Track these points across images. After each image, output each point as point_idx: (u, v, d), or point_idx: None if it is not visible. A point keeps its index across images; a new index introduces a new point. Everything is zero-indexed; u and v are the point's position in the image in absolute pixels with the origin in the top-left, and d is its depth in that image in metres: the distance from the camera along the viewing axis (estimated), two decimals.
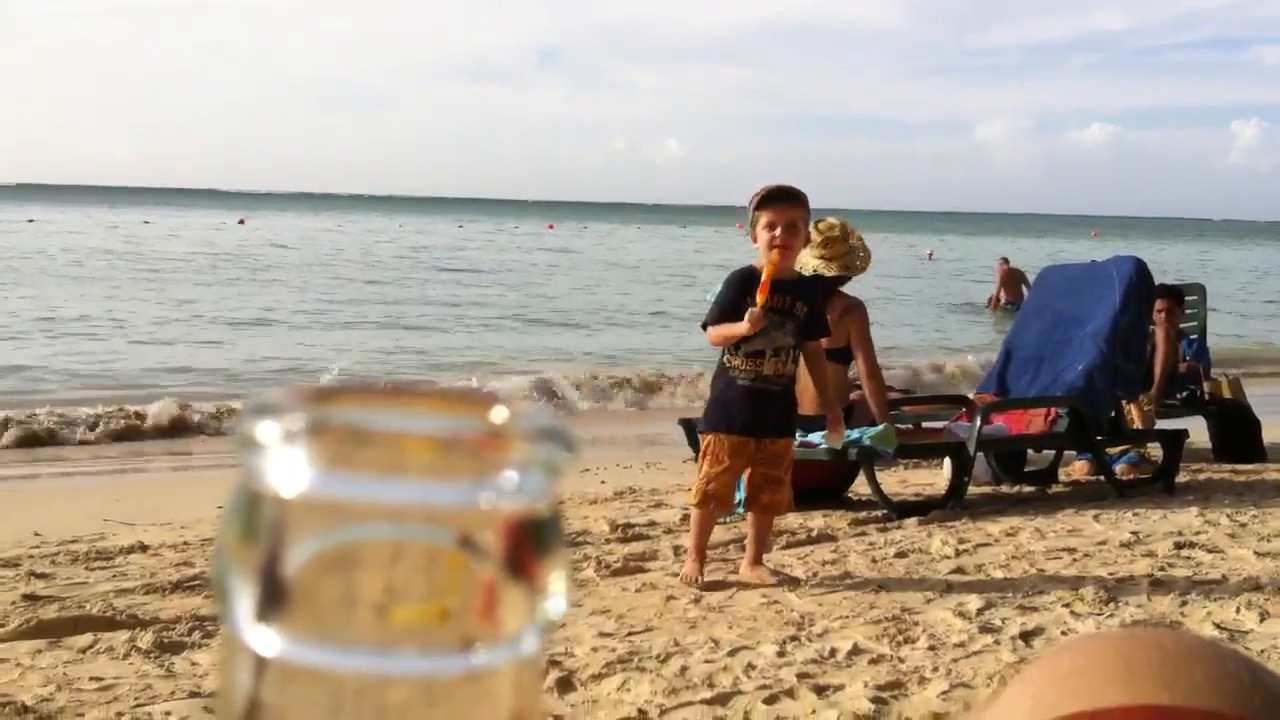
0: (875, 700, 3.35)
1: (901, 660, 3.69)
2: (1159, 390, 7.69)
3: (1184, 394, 8.05)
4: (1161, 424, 7.34)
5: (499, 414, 0.26)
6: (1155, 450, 7.16)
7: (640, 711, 3.28)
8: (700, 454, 4.80)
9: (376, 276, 26.69)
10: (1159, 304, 7.61)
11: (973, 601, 4.32)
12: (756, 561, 4.68)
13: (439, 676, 0.25)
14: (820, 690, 3.42)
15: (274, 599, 0.25)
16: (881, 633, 3.94)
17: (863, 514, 5.91)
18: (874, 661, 3.68)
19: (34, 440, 8.43)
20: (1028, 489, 6.76)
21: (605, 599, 4.38)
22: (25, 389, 10.62)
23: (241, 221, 58.68)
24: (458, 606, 0.25)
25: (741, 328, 4.55)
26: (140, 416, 9.16)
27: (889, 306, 20.95)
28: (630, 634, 3.95)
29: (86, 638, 3.84)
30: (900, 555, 5.04)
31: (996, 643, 3.87)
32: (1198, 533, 5.49)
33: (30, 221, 50.56)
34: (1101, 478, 6.71)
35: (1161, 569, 4.81)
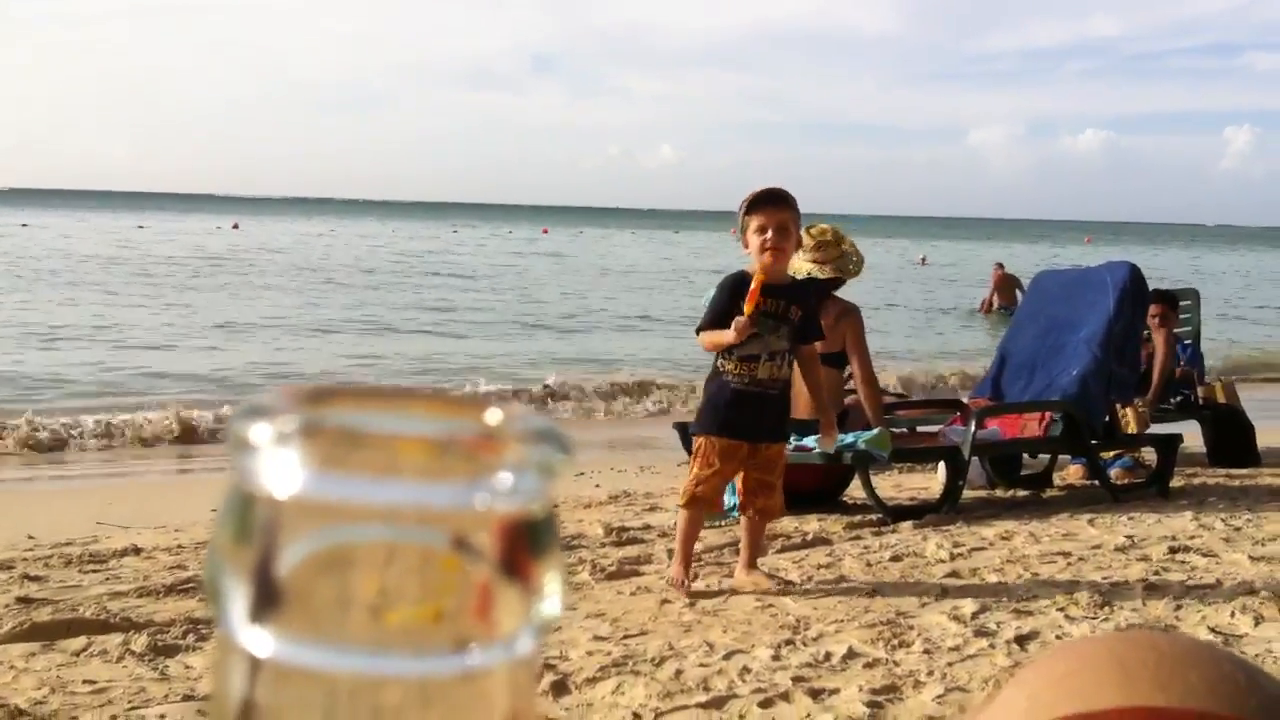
0: (870, 704, 3.35)
1: (896, 664, 3.70)
2: (1155, 394, 7.70)
3: (1178, 398, 8.06)
4: (1156, 428, 7.35)
5: (493, 415, 0.26)
6: (1150, 455, 7.17)
7: (635, 715, 3.28)
8: (691, 456, 4.77)
9: (368, 281, 26.66)
10: (1153, 309, 7.62)
11: (967, 605, 4.32)
12: (751, 566, 4.67)
13: (434, 678, 0.25)
14: (815, 694, 3.42)
15: (268, 600, 0.25)
16: (876, 636, 3.94)
17: (858, 518, 5.91)
18: (869, 665, 3.68)
19: (32, 448, 8.39)
20: (1022, 493, 6.77)
21: (600, 602, 4.38)
22: (16, 396, 10.59)
23: (235, 226, 58.63)
24: (452, 607, 0.25)
25: (728, 336, 4.53)
26: (135, 424, 9.14)
27: (879, 312, 20.97)
28: (625, 637, 3.95)
29: (80, 641, 3.84)
30: (895, 559, 5.04)
31: (991, 646, 3.87)
32: (1192, 537, 5.49)
33: (24, 226, 50.48)
34: (1096, 482, 6.72)
35: (1156, 573, 4.82)
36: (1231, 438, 7.87)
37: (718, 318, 4.61)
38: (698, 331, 4.76)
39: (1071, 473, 7.17)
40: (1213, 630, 4.08)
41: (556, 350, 15.65)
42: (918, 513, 5.99)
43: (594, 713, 3.31)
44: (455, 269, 32.34)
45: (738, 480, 4.71)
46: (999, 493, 6.76)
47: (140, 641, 3.80)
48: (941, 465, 6.51)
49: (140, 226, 56.04)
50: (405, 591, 0.25)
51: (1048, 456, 7.10)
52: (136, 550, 5.12)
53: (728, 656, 3.74)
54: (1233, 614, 4.24)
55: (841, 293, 6.32)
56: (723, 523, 5.54)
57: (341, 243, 46.90)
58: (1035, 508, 6.33)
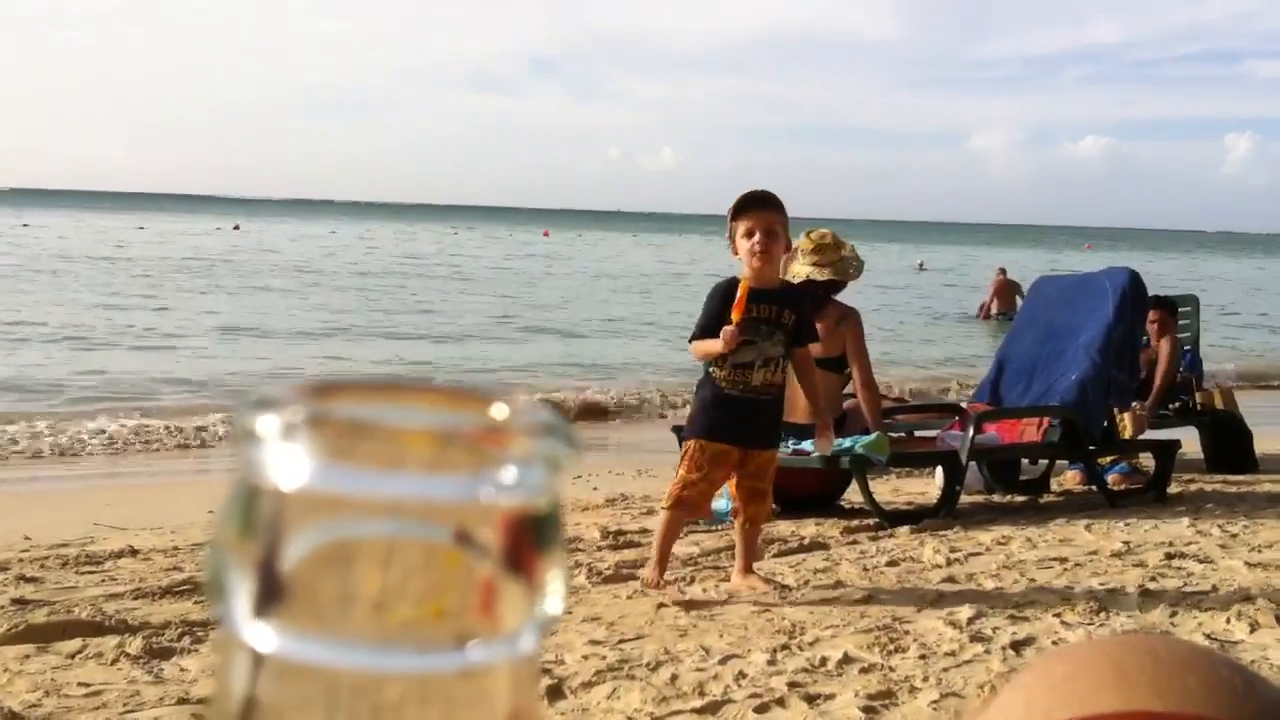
0: (866, 709, 3.35)
1: (892, 669, 3.69)
2: (1155, 399, 7.71)
3: (1176, 404, 8.07)
4: (1154, 435, 7.36)
5: (499, 410, 0.26)
6: (1147, 460, 7.17)
7: None
8: (680, 458, 4.71)
9: (366, 284, 26.62)
10: (1151, 315, 7.63)
11: (964, 610, 4.32)
12: (747, 571, 4.65)
13: (437, 673, 0.25)
14: (811, 699, 3.42)
15: (271, 594, 0.24)
16: (872, 641, 3.94)
17: (855, 522, 5.91)
18: (865, 670, 3.68)
19: (34, 456, 8.38)
20: (1019, 498, 6.77)
21: (596, 606, 4.38)
22: (17, 399, 10.58)
23: (236, 227, 58.62)
24: (456, 602, 0.25)
25: (718, 345, 4.48)
26: (137, 428, 9.14)
27: (876, 314, 20.96)
28: (621, 642, 3.95)
29: (75, 643, 3.83)
30: (892, 564, 5.04)
31: (987, 652, 3.87)
32: (1189, 543, 5.49)
33: (25, 226, 50.46)
34: (1093, 488, 6.72)
35: (1152, 579, 4.82)
36: (1229, 444, 7.87)
37: (709, 326, 4.56)
38: (691, 341, 4.71)
39: (1069, 478, 7.17)
40: (1208, 637, 4.08)
41: (555, 353, 15.65)
42: (915, 518, 5.99)
43: (589, 717, 3.31)
44: (455, 272, 32.33)
45: (731, 485, 4.70)
46: (996, 498, 6.76)
47: (136, 644, 3.79)
48: (939, 470, 6.51)
49: (140, 227, 56.02)
50: (409, 586, 0.25)
51: (1046, 462, 7.10)
52: (133, 552, 5.12)
53: (723, 661, 3.74)
54: (1228, 621, 4.24)
55: (840, 297, 6.31)
56: (718, 527, 5.54)
57: (341, 245, 46.89)
58: (1032, 513, 6.33)
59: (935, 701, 3.42)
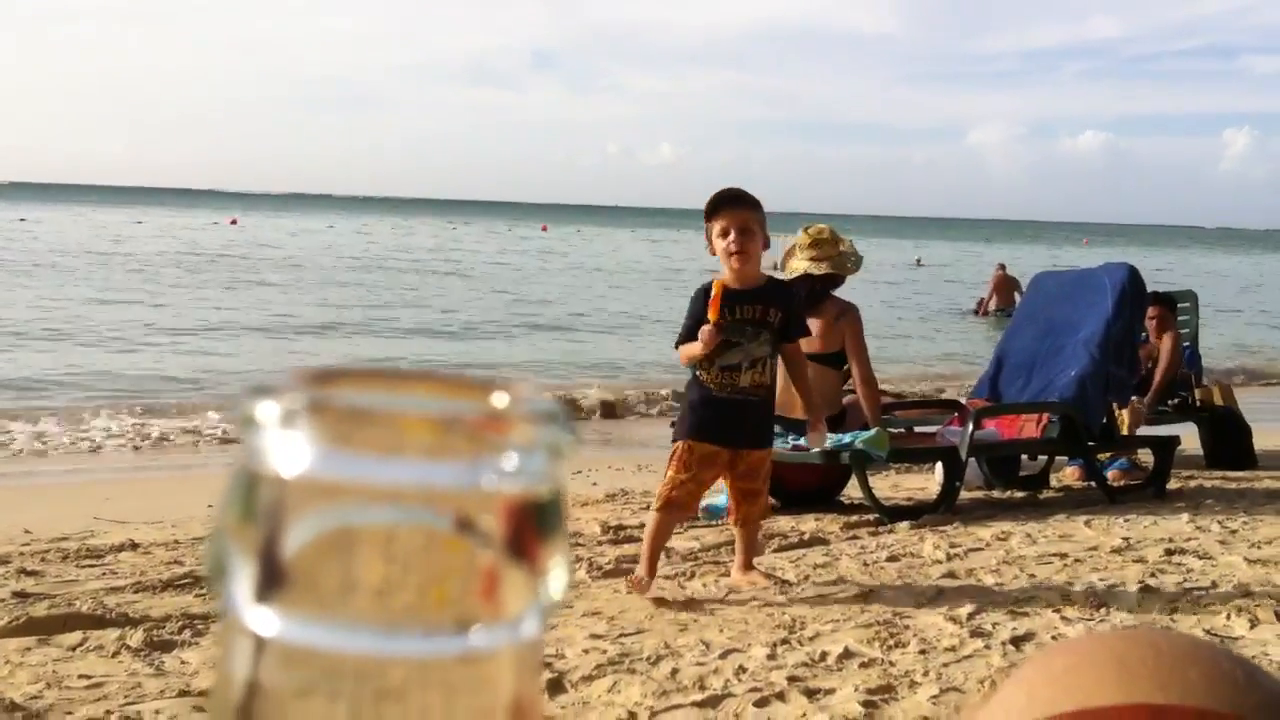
0: (866, 704, 3.35)
1: (892, 664, 3.70)
2: (1155, 394, 7.71)
3: (1175, 400, 8.07)
4: (1153, 430, 7.36)
5: (500, 397, 0.26)
6: (1147, 456, 7.17)
7: (630, 714, 3.28)
8: (668, 459, 4.64)
9: (364, 279, 26.55)
10: (1150, 311, 7.63)
11: (964, 606, 4.32)
12: (748, 566, 4.65)
13: (439, 658, 0.25)
14: (811, 694, 3.42)
15: (274, 579, 0.24)
16: (873, 636, 3.94)
17: (854, 518, 5.91)
18: (865, 665, 3.68)
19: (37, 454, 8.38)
20: (1019, 494, 6.77)
21: (596, 601, 4.38)
22: (18, 395, 10.58)
23: (234, 222, 58.58)
24: (458, 588, 0.25)
25: (697, 348, 4.43)
26: (136, 423, 9.14)
27: (871, 311, 20.92)
28: (621, 636, 3.95)
29: (76, 635, 3.84)
30: (892, 559, 5.04)
31: (987, 647, 3.87)
32: (1188, 539, 5.50)
33: (21, 220, 50.42)
34: (1093, 483, 6.72)
35: (1152, 575, 4.82)
36: (1229, 440, 7.88)
37: (693, 330, 4.50)
38: (676, 346, 4.65)
39: (1068, 474, 7.17)
40: (1208, 632, 4.08)
41: (554, 350, 15.65)
42: (915, 513, 5.99)
43: (590, 711, 3.31)
44: (454, 268, 32.31)
45: (728, 485, 4.68)
46: (996, 494, 6.76)
47: (136, 637, 3.80)
48: (939, 466, 6.51)
49: (139, 222, 55.99)
50: (411, 572, 0.25)
51: (1045, 457, 7.10)
52: (134, 545, 5.12)
53: (724, 655, 3.74)
54: (1228, 616, 4.24)
55: (838, 293, 6.31)
56: (717, 521, 5.54)
57: (340, 240, 46.86)
58: (1032, 509, 6.33)
59: (935, 696, 3.43)
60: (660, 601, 4.36)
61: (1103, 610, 4.34)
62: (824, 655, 3.75)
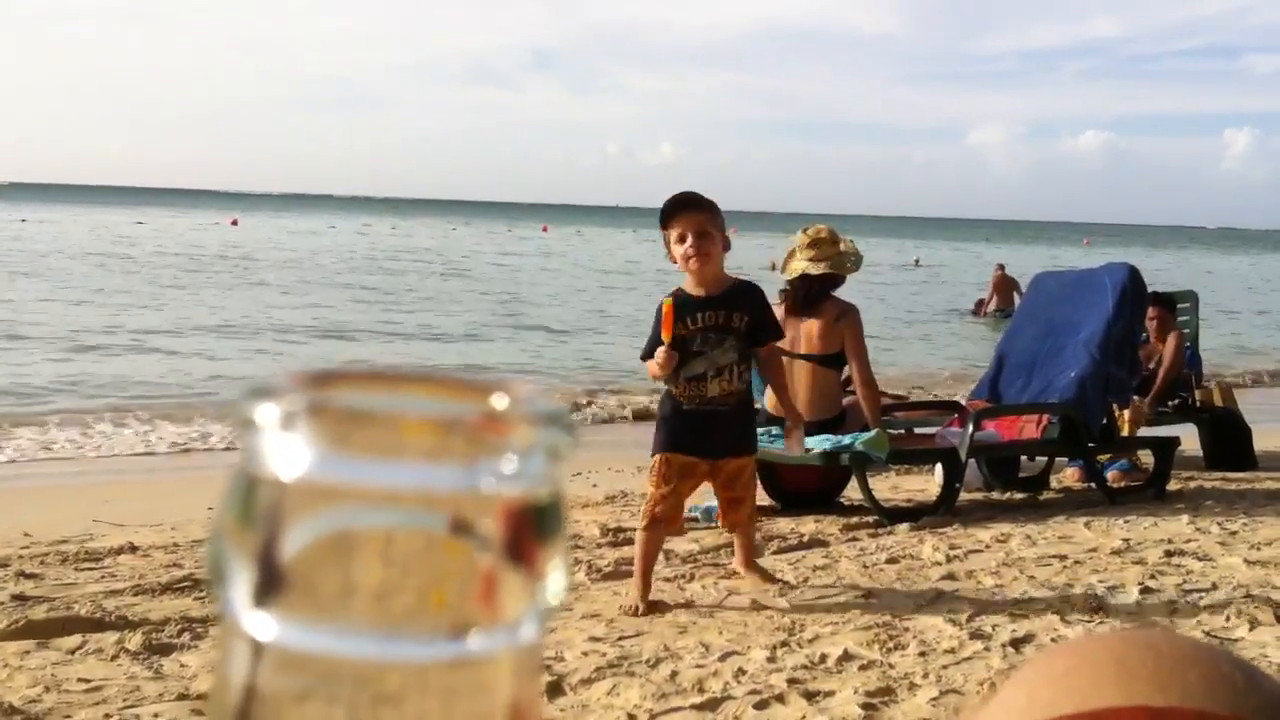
0: (865, 706, 3.35)
1: (892, 666, 3.70)
2: (1156, 394, 7.71)
3: (1176, 401, 8.07)
4: (1153, 431, 7.36)
5: (500, 399, 0.26)
6: (1147, 458, 7.17)
7: (630, 716, 3.28)
8: (649, 475, 4.56)
9: (364, 281, 26.52)
10: (1150, 312, 7.62)
11: (963, 608, 4.32)
12: (748, 564, 4.66)
13: (438, 662, 0.25)
14: (810, 696, 3.42)
15: (272, 583, 0.24)
16: (872, 639, 3.94)
17: (854, 519, 5.91)
18: (864, 667, 3.68)
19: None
20: (1019, 495, 6.77)
21: (596, 603, 4.38)
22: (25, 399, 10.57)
23: (234, 222, 58.58)
24: (457, 592, 0.25)
25: (653, 370, 4.36)
26: (136, 425, 9.14)
27: (868, 312, 20.88)
28: (620, 638, 3.95)
29: (75, 639, 3.84)
30: (891, 561, 5.04)
31: (987, 649, 3.87)
32: (1188, 540, 5.50)
33: (23, 221, 50.43)
34: (1093, 485, 6.72)
35: (1152, 576, 4.82)
36: (1229, 441, 7.87)
37: (655, 344, 4.42)
38: (642, 358, 4.58)
39: (1068, 475, 7.17)
40: (1207, 634, 4.08)
41: (554, 351, 15.64)
42: (914, 515, 5.99)
43: (589, 714, 3.31)
44: (454, 269, 32.29)
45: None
46: (996, 495, 6.76)
47: (135, 640, 3.80)
48: (938, 467, 6.51)
49: (139, 222, 56.01)
50: (410, 576, 0.25)
51: (1045, 459, 7.10)
52: (133, 548, 5.12)
53: (723, 658, 3.74)
54: (1228, 618, 4.24)
55: (837, 293, 6.30)
56: (714, 523, 5.54)
57: (340, 241, 46.85)
58: (1032, 510, 6.33)
59: (935, 699, 3.42)
60: (660, 604, 4.36)
61: (1102, 612, 4.34)
62: (823, 657, 3.75)
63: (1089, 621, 4.23)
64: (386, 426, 0.25)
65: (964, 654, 3.82)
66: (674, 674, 3.58)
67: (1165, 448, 6.86)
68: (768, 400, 5.85)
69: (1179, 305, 8.40)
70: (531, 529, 0.25)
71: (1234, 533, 5.69)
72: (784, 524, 5.79)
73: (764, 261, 29.30)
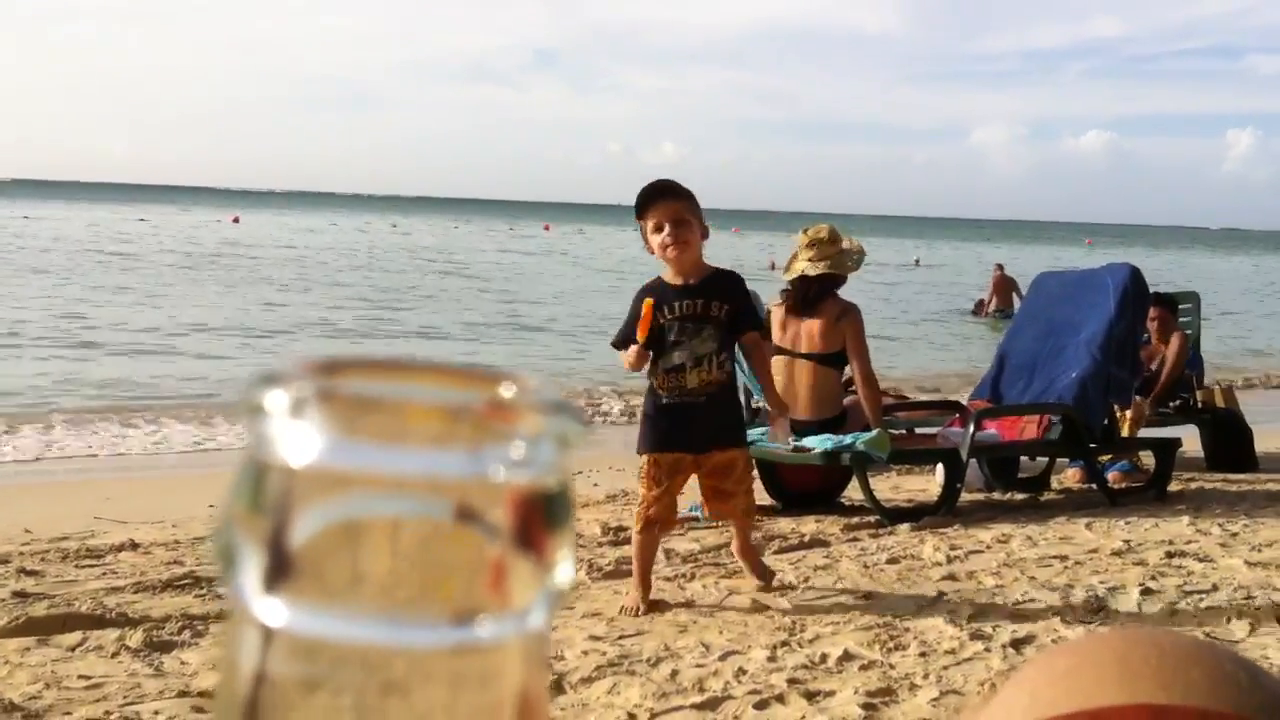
0: (866, 706, 3.35)
1: (892, 666, 3.70)
2: (1158, 394, 7.71)
3: (1177, 402, 8.07)
4: (1154, 432, 7.36)
5: (508, 387, 0.26)
6: (1148, 459, 7.17)
7: (630, 715, 3.28)
8: (639, 476, 4.50)
9: (365, 280, 26.51)
10: (1152, 313, 7.62)
11: (964, 608, 4.32)
12: (744, 551, 4.62)
13: (446, 649, 0.25)
14: (811, 696, 3.43)
15: (282, 569, 0.25)
16: (873, 639, 3.94)
17: (855, 519, 5.91)
18: (865, 668, 3.68)
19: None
20: (1020, 496, 6.77)
21: (597, 602, 4.38)
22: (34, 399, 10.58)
23: (236, 220, 58.60)
24: (466, 579, 0.25)
25: (627, 363, 4.32)
26: (138, 422, 9.15)
27: (867, 311, 20.82)
28: (621, 638, 3.95)
29: (76, 636, 3.84)
30: (892, 561, 5.04)
31: (987, 650, 3.87)
32: (1189, 542, 5.49)
33: (25, 218, 50.45)
34: (1094, 486, 6.72)
35: (1153, 578, 4.82)
36: (1230, 442, 7.87)
37: (628, 335, 4.36)
38: (613, 344, 4.52)
39: (1069, 476, 7.17)
40: (1208, 635, 4.08)
41: (556, 351, 15.64)
42: (915, 515, 5.99)
43: (589, 713, 3.31)
44: (457, 268, 32.28)
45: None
46: (997, 496, 6.76)
47: (136, 637, 3.80)
48: (940, 467, 6.51)
49: (141, 219, 56.03)
50: (419, 562, 0.25)
51: (1046, 459, 7.10)
52: (134, 545, 5.12)
53: (723, 657, 3.74)
54: (1228, 619, 4.24)
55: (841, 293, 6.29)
56: (718, 522, 5.54)
57: (341, 239, 46.85)
58: (1032, 511, 6.33)
59: (935, 699, 3.42)
60: (660, 603, 4.36)
61: (1103, 613, 4.34)
62: (824, 657, 3.75)
63: (1090, 622, 4.23)
64: (396, 414, 0.25)
65: (965, 654, 3.82)
66: (674, 673, 3.58)
67: (1166, 449, 6.86)
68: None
69: (1181, 306, 8.40)
70: (540, 517, 0.26)
71: (1235, 534, 5.69)
72: (785, 524, 5.79)
73: (764, 261, 29.31)
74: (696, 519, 5.62)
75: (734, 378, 4.47)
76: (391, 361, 0.26)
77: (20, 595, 4.30)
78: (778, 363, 6.09)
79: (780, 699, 3.40)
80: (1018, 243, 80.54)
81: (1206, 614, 4.33)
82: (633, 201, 4.36)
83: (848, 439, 5.86)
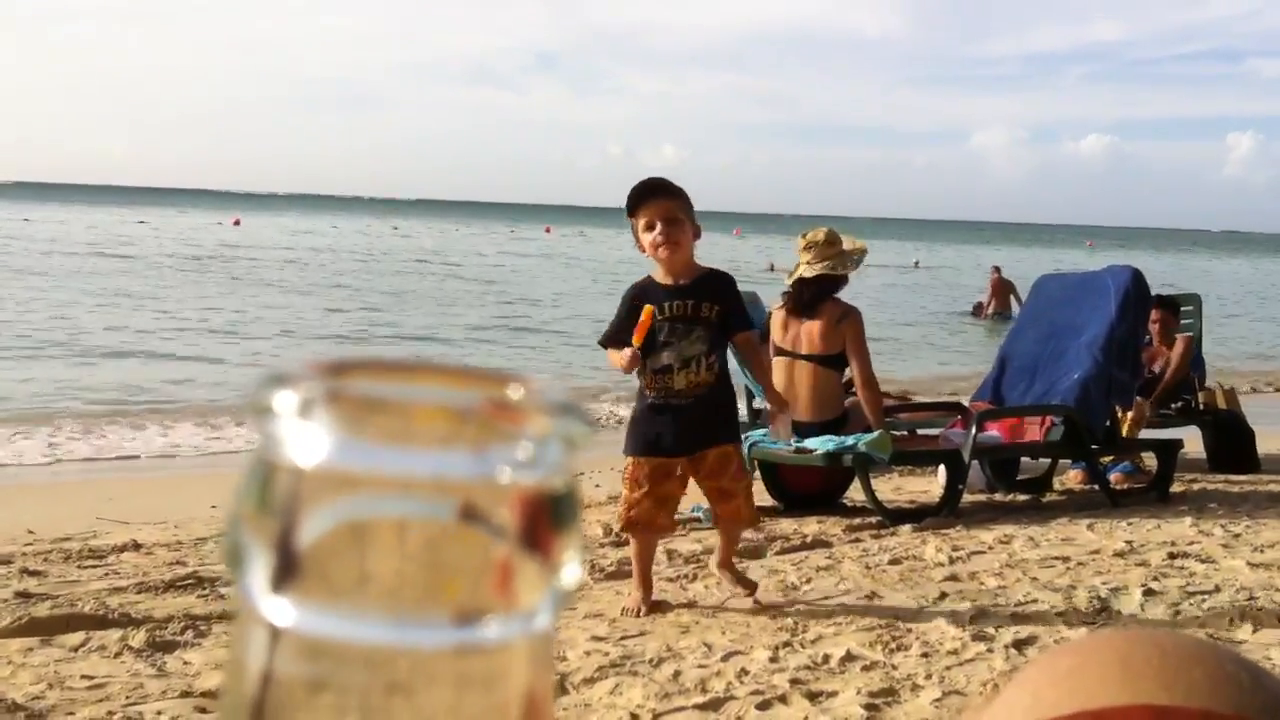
0: (868, 707, 3.35)
1: (894, 667, 3.70)
2: (1159, 395, 7.71)
3: (1179, 404, 8.06)
4: (1156, 434, 7.35)
5: (515, 389, 0.26)
6: (1150, 460, 7.17)
7: (632, 716, 3.28)
8: (622, 478, 4.46)
9: (366, 282, 26.49)
10: (1154, 315, 7.62)
11: (966, 609, 4.32)
12: (723, 564, 4.53)
13: (453, 649, 0.25)
14: (813, 696, 3.43)
15: (289, 569, 0.25)
16: (875, 639, 3.94)
17: (857, 520, 5.91)
18: (867, 668, 3.68)
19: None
20: (1022, 497, 6.77)
21: (599, 603, 4.38)
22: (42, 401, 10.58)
23: (237, 222, 58.61)
24: (473, 579, 0.25)
25: (619, 365, 4.25)
26: (140, 423, 9.15)
27: (866, 313, 20.77)
28: (623, 638, 3.95)
29: (78, 636, 3.84)
30: (894, 562, 5.04)
31: (989, 651, 3.87)
32: (1191, 543, 5.49)
33: (26, 220, 50.47)
34: (1096, 487, 6.72)
35: (1155, 579, 4.82)
36: (1232, 443, 7.86)
37: (616, 333, 4.31)
38: (600, 343, 4.47)
39: (1071, 477, 7.16)
40: (1211, 636, 4.08)
41: (556, 351, 15.64)
42: (917, 516, 5.99)
43: (591, 713, 3.31)
44: (455, 269, 32.29)
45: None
46: (999, 497, 6.76)
47: (139, 637, 3.80)
48: (941, 468, 6.51)
49: (141, 221, 56.05)
50: (426, 563, 0.25)
51: (1048, 460, 7.10)
52: (136, 546, 5.13)
53: (726, 658, 3.74)
54: (1231, 620, 4.24)
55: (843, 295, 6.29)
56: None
57: (341, 242, 46.83)
58: (1034, 512, 6.33)
59: (937, 700, 3.42)
60: (662, 604, 4.36)
61: (1105, 614, 4.34)
62: (826, 658, 3.75)
63: (1091, 623, 4.23)
64: (403, 415, 0.25)
65: (967, 655, 3.82)
66: (677, 674, 3.58)
67: (1168, 450, 6.86)
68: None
69: (1182, 308, 8.39)
70: (546, 517, 0.26)
71: (1237, 535, 5.68)
72: (787, 525, 5.79)
73: (763, 263, 29.30)
74: (699, 520, 5.62)
75: (726, 379, 4.39)
76: (398, 363, 0.27)
77: (23, 595, 4.30)
78: (779, 364, 6.10)
79: (783, 699, 3.40)
80: (1019, 245, 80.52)
81: (1209, 615, 4.32)
82: None
83: (850, 440, 5.86)
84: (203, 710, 3.28)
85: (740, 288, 4.58)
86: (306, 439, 0.25)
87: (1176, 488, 6.88)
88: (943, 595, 4.54)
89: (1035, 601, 4.45)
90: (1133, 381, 7.01)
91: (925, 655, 3.81)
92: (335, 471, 0.25)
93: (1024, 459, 7.08)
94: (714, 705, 3.35)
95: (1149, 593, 4.60)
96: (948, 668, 3.70)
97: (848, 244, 6.27)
